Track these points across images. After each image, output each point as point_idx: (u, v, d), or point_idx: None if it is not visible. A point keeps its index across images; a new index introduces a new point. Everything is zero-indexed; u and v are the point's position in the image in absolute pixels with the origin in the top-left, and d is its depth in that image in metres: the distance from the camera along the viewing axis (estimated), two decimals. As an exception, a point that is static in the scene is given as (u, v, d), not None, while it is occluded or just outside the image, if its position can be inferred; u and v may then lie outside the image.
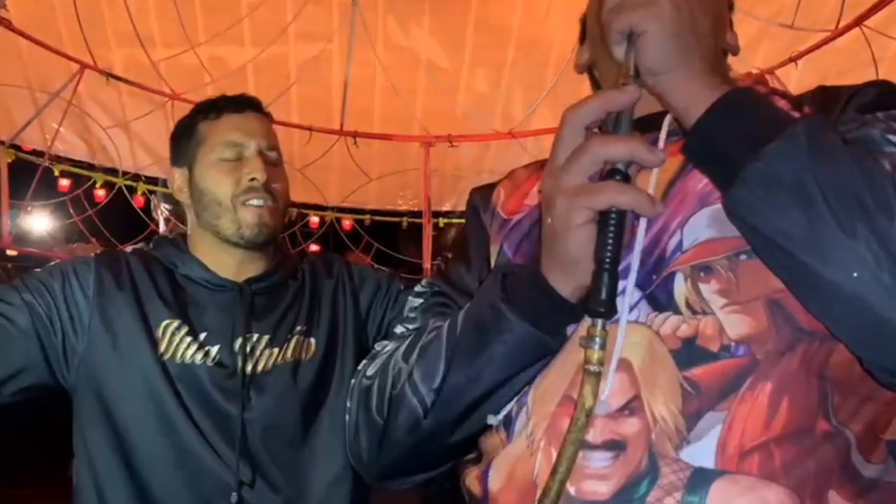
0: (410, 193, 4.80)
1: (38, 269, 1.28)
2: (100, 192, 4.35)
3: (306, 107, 4.13)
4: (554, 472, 0.62)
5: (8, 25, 2.86)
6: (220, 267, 1.32)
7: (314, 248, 5.01)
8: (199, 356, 1.23)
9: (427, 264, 4.12)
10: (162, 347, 1.23)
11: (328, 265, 1.46)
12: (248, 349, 1.26)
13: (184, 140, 1.36)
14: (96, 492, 1.21)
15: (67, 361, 1.23)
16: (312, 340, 1.33)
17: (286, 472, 1.24)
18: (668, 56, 0.64)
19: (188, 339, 1.24)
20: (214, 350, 1.25)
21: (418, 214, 4.67)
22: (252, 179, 1.27)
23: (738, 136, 0.62)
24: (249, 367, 1.25)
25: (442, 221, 4.67)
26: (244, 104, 1.35)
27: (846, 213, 0.56)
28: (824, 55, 3.51)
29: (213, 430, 1.21)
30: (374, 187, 4.58)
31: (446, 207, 4.87)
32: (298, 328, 1.32)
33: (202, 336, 1.25)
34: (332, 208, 4.86)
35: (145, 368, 1.21)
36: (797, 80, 3.56)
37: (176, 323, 1.25)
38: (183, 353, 1.23)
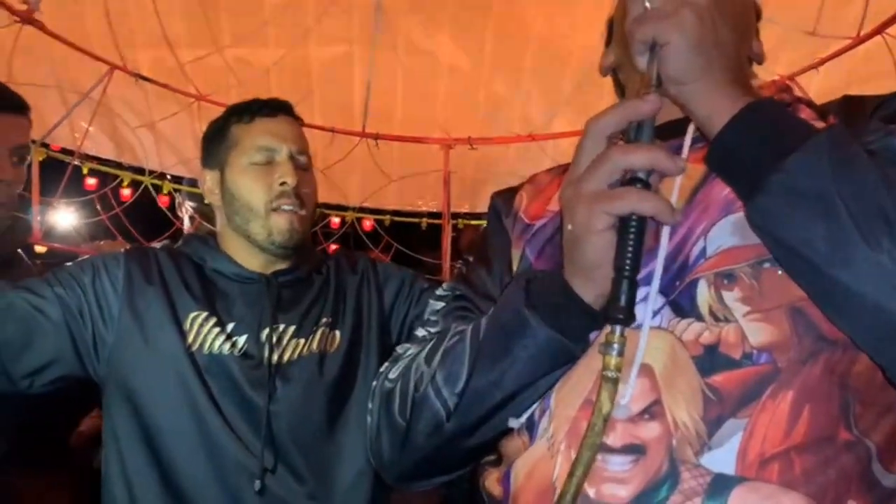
0: (430, 195, 4.81)
1: (68, 264, 1.31)
2: (125, 192, 4.41)
3: (328, 108, 4.16)
4: (570, 475, 0.63)
5: (41, 27, 2.91)
6: (248, 264, 1.34)
7: (334, 247, 5.04)
8: (227, 347, 1.25)
9: (446, 265, 4.13)
10: (190, 339, 1.25)
11: (353, 261, 1.48)
12: (274, 339, 1.28)
13: (215, 142, 1.37)
14: (124, 480, 1.23)
15: (97, 353, 1.25)
16: (337, 333, 1.35)
17: (311, 462, 1.26)
18: (690, 66, 0.64)
19: (216, 329, 1.26)
20: (242, 340, 1.27)
21: (437, 216, 4.69)
22: (283, 184, 1.29)
23: (760, 148, 0.62)
24: (276, 357, 1.27)
25: (461, 223, 4.69)
26: (277, 108, 1.37)
27: (869, 225, 0.56)
28: (846, 62, 3.48)
29: (240, 420, 1.23)
30: (394, 188, 4.60)
31: (465, 209, 4.88)
32: (324, 320, 1.34)
33: (230, 327, 1.28)
34: (353, 209, 4.89)
35: (174, 359, 1.23)
36: (818, 87, 3.54)
37: (204, 314, 1.27)
38: (211, 343, 1.25)
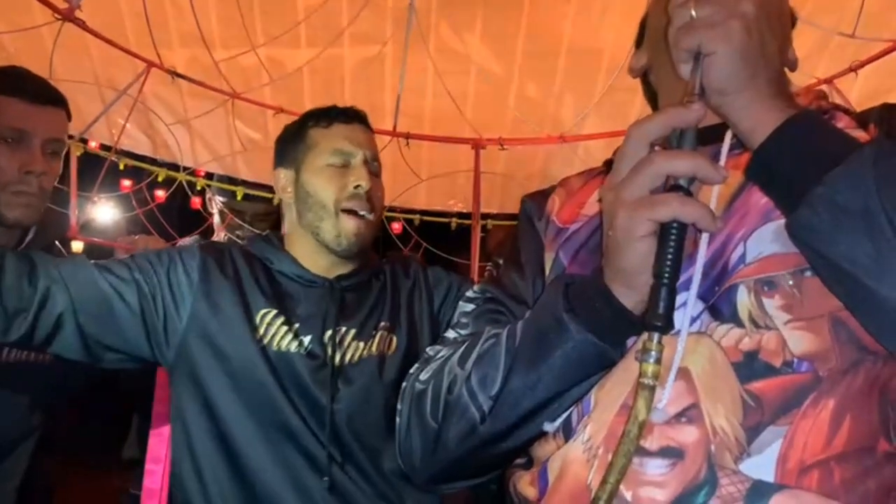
0: (459, 195, 4.80)
1: (146, 252, 1.37)
2: (159, 193, 4.45)
3: (359, 108, 4.18)
4: (604, 482, 0.63)
5: (82, 25, 2.96)
6: (312, 265, 1.39)
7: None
8: (294, 345, 1.29)
9: (475, 265, 4.12)
10: (260, 334, 1.29)
11: (406, 266, 1.52)
12: (336, 341, 1.32)
13: (292, 143, 1.44)
14: (193, 467, 1.27)
15: (168, 340, 1.30)
16: (394, 338, 1.38)
17: (375, 462, 1.29)
18: (735, 77, 0.64)
19: (284, 328, 1.30)
20: (307, 340, 1.31)
21: (466, 216, 4.68)
22: (357, 187, 1.34)
23: (802, 161, 0.62)
24: (338, 358, 1.31)
25: (490, 223, 4.67)
26: (353, 116, 1.44)
27: None
28: (886, 66, 3.42)
29: (309, 415, 1.26)
30: (423, 188, 4.61)
31: (494, 210, 4.87)
32: (383, 324, 1.38)
33: (296, 326, 1.31)
34: (384, 208, 4.90)
35: (246, 352, 1.27)
36: (858, 90, 3.48)
37: (273, 312, 1.31)
38: (279, 341, 1.29)
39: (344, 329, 1.34)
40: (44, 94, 1.43)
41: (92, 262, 1.28)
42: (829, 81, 3.46)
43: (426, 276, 1.51)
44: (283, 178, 1.44)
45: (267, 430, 1.25)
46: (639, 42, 0.93)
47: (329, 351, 1.31)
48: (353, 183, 1.34)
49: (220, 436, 1.26)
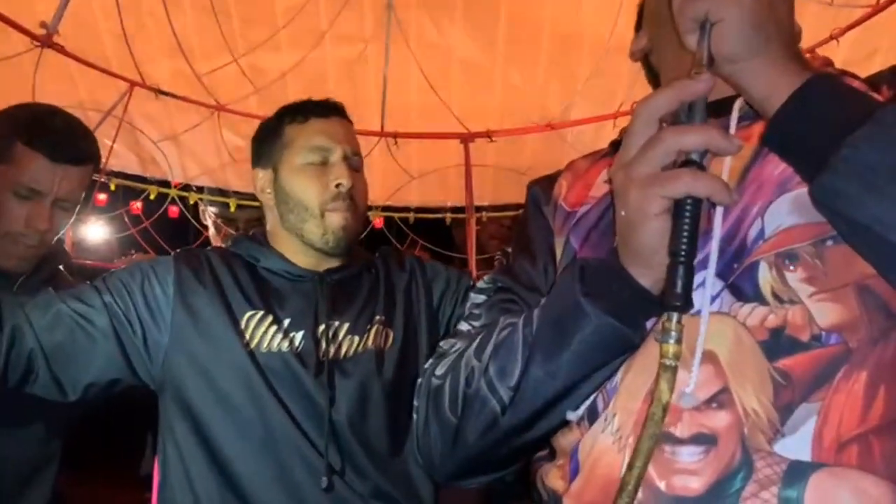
0: (451, 189, 4.79)
1: (119, 269, 1.32)
2: (137, 205, 4.40)
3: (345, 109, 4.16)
4: (630, 467, 0.62)
5: (61, 49, 2.94)
6: (299, 262, 1.35)
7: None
8: (285, 344, 1.26)
9: (472, 260, 4.11)
10: (247, 338, 1.25)
11: (400, 260, 1.48)
12: (330, 335, 1.28)
13: (268, 142, 1.38)
14: (188, 483, 1.23)
15: (151, 357, 1.26)
16: (391, 332, 1.34)
17: (374, 458, 1.25)
18: (746, 44, 0.62)
19: (273, 328, 1.26)
20: (298, 336, 1.27)
21: (460, 209, 4.67)
22: (338, 185, 1.30)
23: (823, 124, 0.60)
24: (332, 352, 1.27)
25: (484, 216, 4.65)
26: (330, 109, 1.38)
27: None
28: (868, 32, 3.41)
29: (303, 416, 1.23)
30: (415, 186, 4.59)
31: (486, 202, 4.86)
32: (378, 318, 1.34)
33: (286, 323, 1.27)
34: (377, 208, 4.88)
35: (234, 359, 1.23)
36: (840, 59, 3.47)
37: (259, 314, 1.27)
38: (269, 341, 1.25)
39: (337, 323, 1.30)
40: (69, 152, 1.37)
41: (59, 293, 1.24)
42: (810, 51, 3.45)
43: (423, 270, 1.46)
44: (261, 179, 1.40)
45: (258, 443, 1.21)
46: (638, 26, 0.91)
47: (323, 345, 1.27)
48: (334, 182, 1.30)
49: (211, 453, 1.22)
